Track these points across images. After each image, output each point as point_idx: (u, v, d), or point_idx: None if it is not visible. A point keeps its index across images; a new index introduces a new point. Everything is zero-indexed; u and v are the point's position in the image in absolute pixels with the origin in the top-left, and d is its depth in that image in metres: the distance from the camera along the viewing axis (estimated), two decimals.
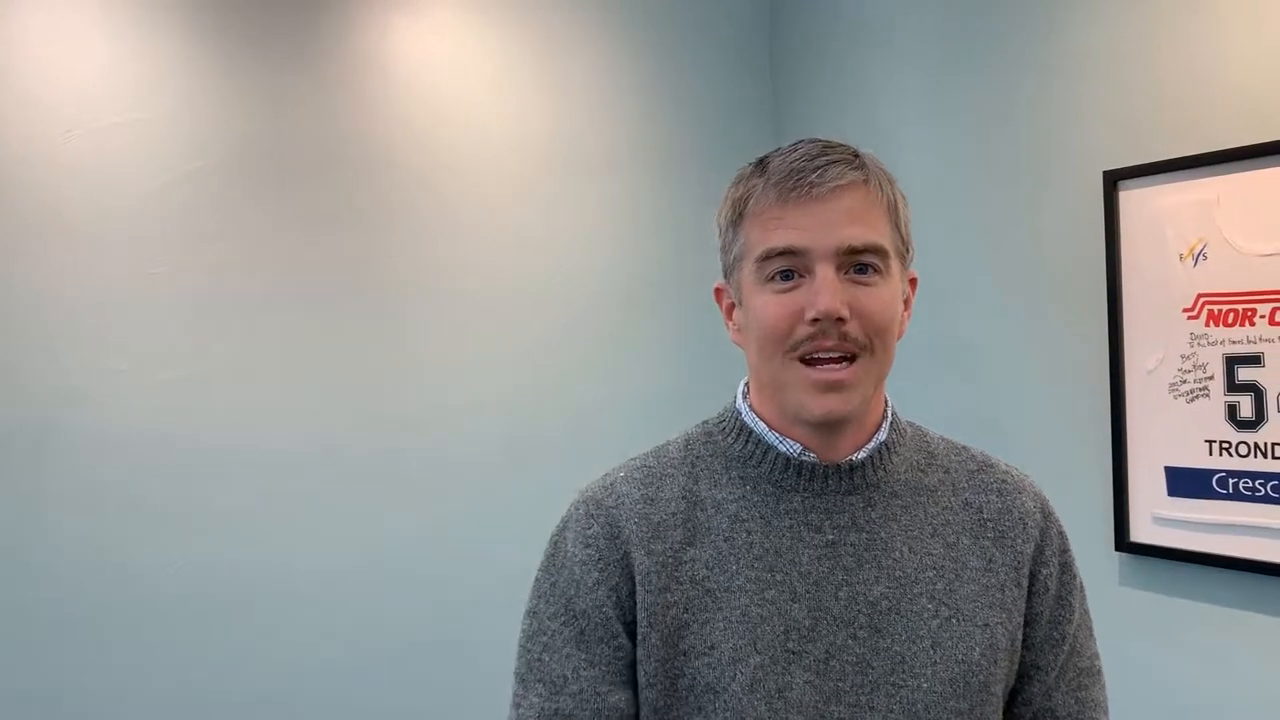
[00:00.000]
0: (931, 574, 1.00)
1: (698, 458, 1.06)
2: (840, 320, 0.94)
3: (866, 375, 0.97)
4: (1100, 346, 1.99)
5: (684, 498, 1.02)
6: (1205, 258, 1.81)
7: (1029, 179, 2.15)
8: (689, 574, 0.99)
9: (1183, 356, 1.85)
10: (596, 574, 1.00)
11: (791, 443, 1.02)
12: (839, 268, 0.95)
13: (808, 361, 0.96)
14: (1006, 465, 1.11)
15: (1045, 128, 2.11)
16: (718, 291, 1.09)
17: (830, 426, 1.00)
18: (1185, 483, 1.86)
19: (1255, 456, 1.75)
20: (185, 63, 2.05)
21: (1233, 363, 1.78)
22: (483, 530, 2.31)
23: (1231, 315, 1.78)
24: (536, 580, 1.04)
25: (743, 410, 1.07)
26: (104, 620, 1.95)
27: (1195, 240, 1.82)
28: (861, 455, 1.02)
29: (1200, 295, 1.82)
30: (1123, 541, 1.96)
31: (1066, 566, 1.09)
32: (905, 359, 2.35)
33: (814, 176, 0.96)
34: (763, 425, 1.03)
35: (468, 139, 2.34)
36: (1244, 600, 1.80)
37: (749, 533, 1.00)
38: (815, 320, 0.94)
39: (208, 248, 2.07)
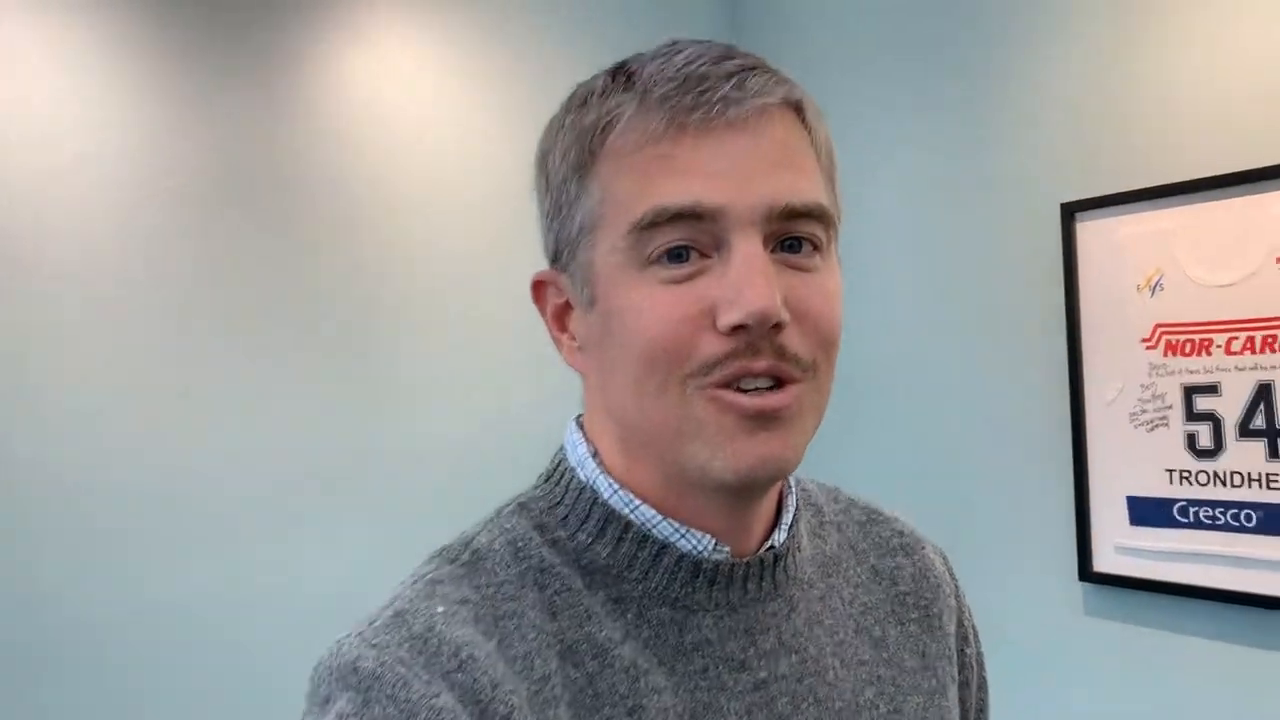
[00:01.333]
0: (872, 693, 0.72)
1: (542, 571, 0.65)
2: (777, 327, 0.60)
3: (810, 406, 0.64)
4: (1060, 376, 2.00)
5: (550, 646, 0.63)
6: (1162, 288, 1.83)
7: (988, 209, 2.17)
8: None
9: (1142, 386, 1.86)
10: None
11: (696, 534, 0.66)
12: (765, 241, 0.62)
13: (722, 387, 0.62)
14: (887, 509, 0.85)
15: (1004, 159, 2.13)
16: (538, 287, 0.70)
17: (751, 493, 0.66)
18: (1147, 512, 1.86)
19: (1215, 485, 1.76)
20: (139, 95, 2.03)
21: (1191, 392, 1.79)
22: None
23: (1189, 345, 1.79)
24: None
25: (598, 482, 0.68)
26: (73, 650, 1.90)
27: (1152, 271, 1.84)
28: (781, 538, 0.70)
29: (1158, 325, 1.83)
30: (1086, 571, 1.96)
31: (976, 633, 0.85)
32: (862, 387, 2.38)
33: (728, 88, 0.61)
34: (646, 509, 0.66)
35: (428, 165, 2.33)
36: (1207, 629, 1.81)
37: (657, 693, 0.63)
38: (739, 328, 0.60)
39: (164, 281, 2.04)
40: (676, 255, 0.61)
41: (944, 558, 0.84)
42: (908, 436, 2.31)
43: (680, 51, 0.63)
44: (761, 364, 0.61)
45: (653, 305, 0.61)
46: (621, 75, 0.64)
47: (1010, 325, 2.12)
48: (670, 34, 0.65)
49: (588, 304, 0.65)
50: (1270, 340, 1.68)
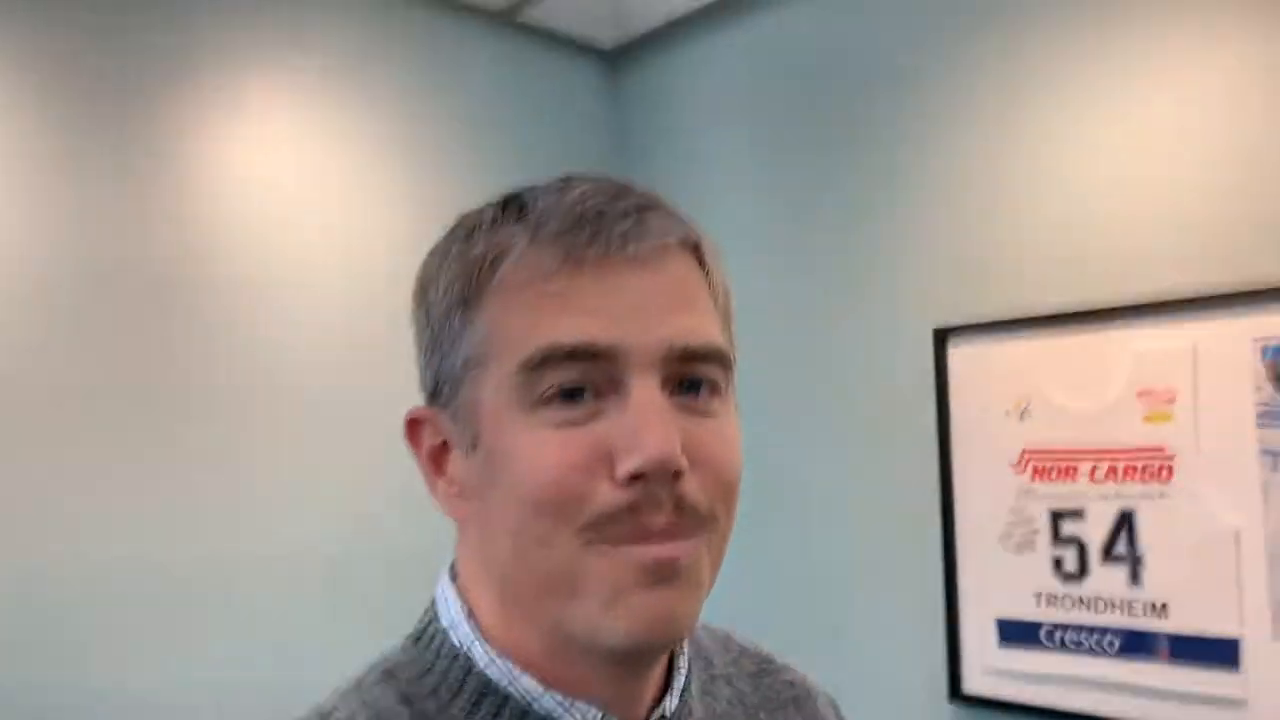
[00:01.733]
0: None
1: None
2: (676, 475, 0.57)
3: (709, 562, 0.61)
4: (932, 497, 2.04)
5: None
6: (1030, 414, 1.89)
7: (863, 332, 2.22)
8: None
9: (1011, 509, 1.91)
10: None
11: (581, 707, 0.61)
12: (663, 383, 0.59)
13: (617, 543, 0.57)
14: (778, 658, 0.82)
15: (880, 285, 2.19)
16: (412, 425, 0.65)
17: (642, 659, 0.62)
18: (1016, 634, 1.89)
19: (1079, 609, 1.81)
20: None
21: (1057, 517, 1.85)
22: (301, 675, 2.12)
23: (1055, 470, 1.85)
24: None
25: (474, 649, 0.62)
26: None
27: (1020, 398, 1.91)
28: (673, 705, 0.66)
29: (1026, 450, 1.90)
30: (956, 692, 1.97)
31: None
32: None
33: (626, 225, 0.58)
34: (528, 680, 0.60)
35: (299, 251, 2.26)
36: None
37: None
38: (636, 477, 0.56)
39: (12, 373, 1.89)
40: (570, 396, 0.57)
41: (835, 707, 0.83)
42: (779, 554, 2.30)
43: (576, 188, 0.60)
44: (660, 521, 0.57)
45: (544, 450, 0.56)
46: (513, 207, 0.61)
47: (883, 446, 2.16)
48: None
49: (469, 446, 0.60)
50: (1131, 469, 1.76)
